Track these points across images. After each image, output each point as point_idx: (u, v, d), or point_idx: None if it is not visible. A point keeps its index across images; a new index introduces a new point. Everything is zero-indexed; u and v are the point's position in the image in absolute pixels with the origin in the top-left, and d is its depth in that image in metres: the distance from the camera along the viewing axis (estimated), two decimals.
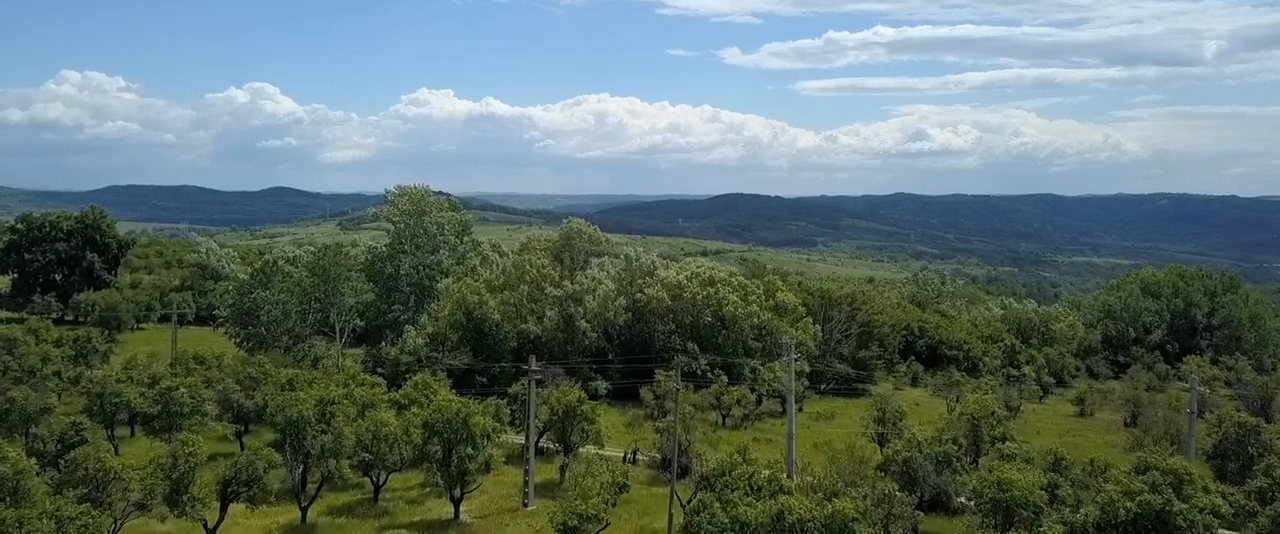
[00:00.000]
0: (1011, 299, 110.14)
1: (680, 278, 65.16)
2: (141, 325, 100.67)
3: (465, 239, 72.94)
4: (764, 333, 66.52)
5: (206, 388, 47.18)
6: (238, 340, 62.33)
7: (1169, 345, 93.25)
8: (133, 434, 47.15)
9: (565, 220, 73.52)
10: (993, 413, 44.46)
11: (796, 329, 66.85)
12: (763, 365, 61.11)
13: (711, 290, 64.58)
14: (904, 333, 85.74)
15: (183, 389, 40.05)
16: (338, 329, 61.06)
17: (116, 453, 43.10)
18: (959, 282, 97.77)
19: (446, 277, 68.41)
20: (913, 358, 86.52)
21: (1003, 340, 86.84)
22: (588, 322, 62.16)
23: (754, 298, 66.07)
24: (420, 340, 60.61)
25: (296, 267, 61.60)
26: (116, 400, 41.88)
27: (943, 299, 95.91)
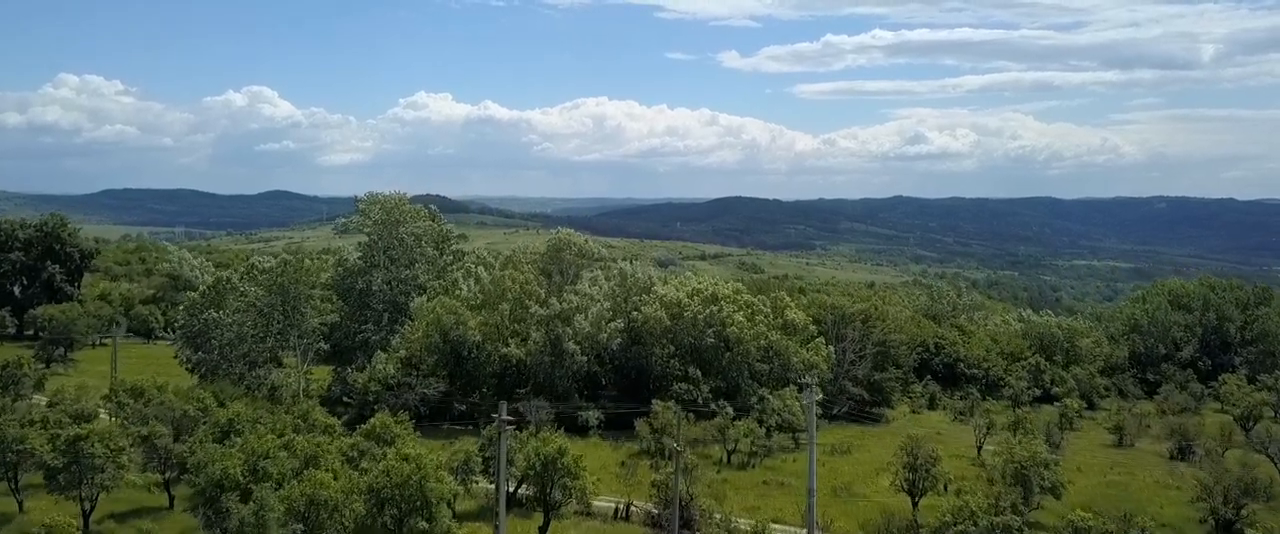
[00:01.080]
0: (1027, 309, 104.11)
1: (680, 295, 59.07)
2: (104, 341, 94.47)
3: (446, 251, 66.77)
4: (772, 354, 60.45)
5: (139, 426, 41.06)
6: (189, 365, 56.16)
7: (1201, 362, 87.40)
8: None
9: (554, 231, 67.38)
10: (1041, 458, 38.48)
11: (807, 351, 60.82)
12: (771, 394, 55.01)
13: (714, 309, 58.50)
14: (919, 350, 79.75)
15: (94, 438, 33.85)
16: (299, 354, 54.91)
17: (21, 510, 37.12)
18: (964, 287, 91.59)
19: (423, 293, 62.24)
20: (929, 376, 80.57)
21: (1027, 358, 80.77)
22: (577, 344, 56.03)
23: (761, 317, 60.00)
24: (391, 368, 54.43)
25: (255, 283, 55.36)
26: (20, 448, 35.69)
27: (958, 312, 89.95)
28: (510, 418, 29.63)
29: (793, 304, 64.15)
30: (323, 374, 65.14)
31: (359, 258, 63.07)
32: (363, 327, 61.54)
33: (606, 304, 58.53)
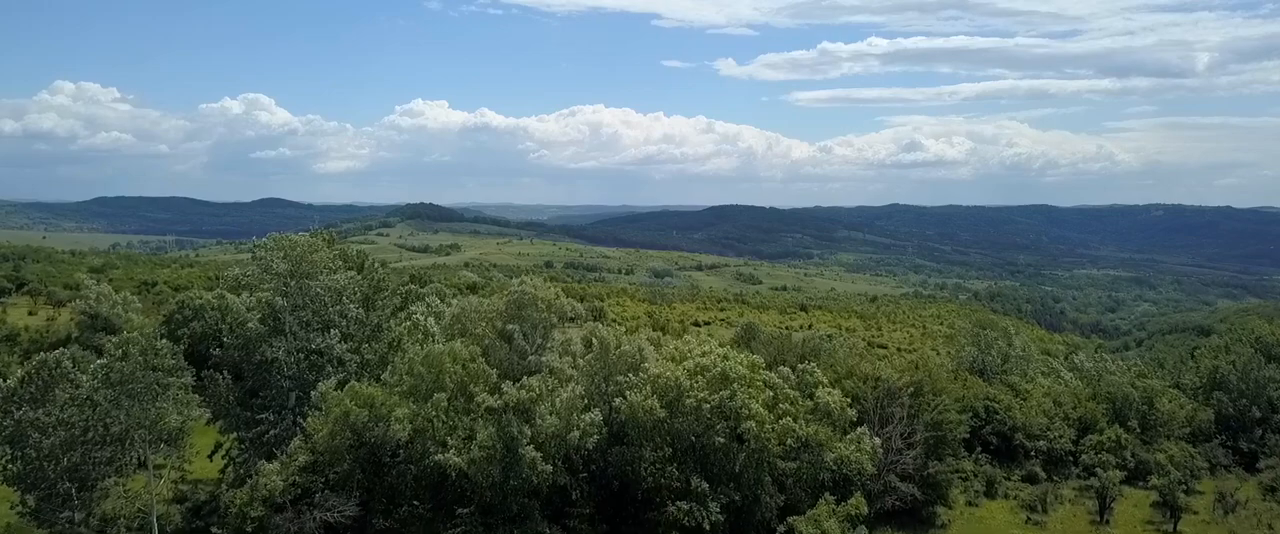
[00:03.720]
0: (1081, 355, 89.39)
1: (678, 374, 44.17)
2: None
3: (376, 310, 51.60)
4: (803, 448, 45.67)
5: None
6: (7, 480, 40.98)
7: None
8: None
9: (516, 281, 52.49)
10: None
11: (847, 446, 45.98)
12: (805, 523, 40.19)
13: (725, 395, 43.62)
14: (968, 416, 64.96)
15: None
16: (150, 468, 39.92)
17: None
18: (1014, 336, 77.03)
19: (340, 368, 47.27)
20: (979, 449, 65.84)
21: (1103, 429, 66.05)
22: (539, 448, 41.11)
23: (787, 403, 45.15)
24: (278, 480, 39.41)
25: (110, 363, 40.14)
26: None
27: (1009, 365, 75.33)
28: None
29: (825, 380, 49.29)
30: (209, 470, 49.94)
31: (258, 321, 48.02)
32: (260, 415, 46.46)
33: (579, 389, 43.59)
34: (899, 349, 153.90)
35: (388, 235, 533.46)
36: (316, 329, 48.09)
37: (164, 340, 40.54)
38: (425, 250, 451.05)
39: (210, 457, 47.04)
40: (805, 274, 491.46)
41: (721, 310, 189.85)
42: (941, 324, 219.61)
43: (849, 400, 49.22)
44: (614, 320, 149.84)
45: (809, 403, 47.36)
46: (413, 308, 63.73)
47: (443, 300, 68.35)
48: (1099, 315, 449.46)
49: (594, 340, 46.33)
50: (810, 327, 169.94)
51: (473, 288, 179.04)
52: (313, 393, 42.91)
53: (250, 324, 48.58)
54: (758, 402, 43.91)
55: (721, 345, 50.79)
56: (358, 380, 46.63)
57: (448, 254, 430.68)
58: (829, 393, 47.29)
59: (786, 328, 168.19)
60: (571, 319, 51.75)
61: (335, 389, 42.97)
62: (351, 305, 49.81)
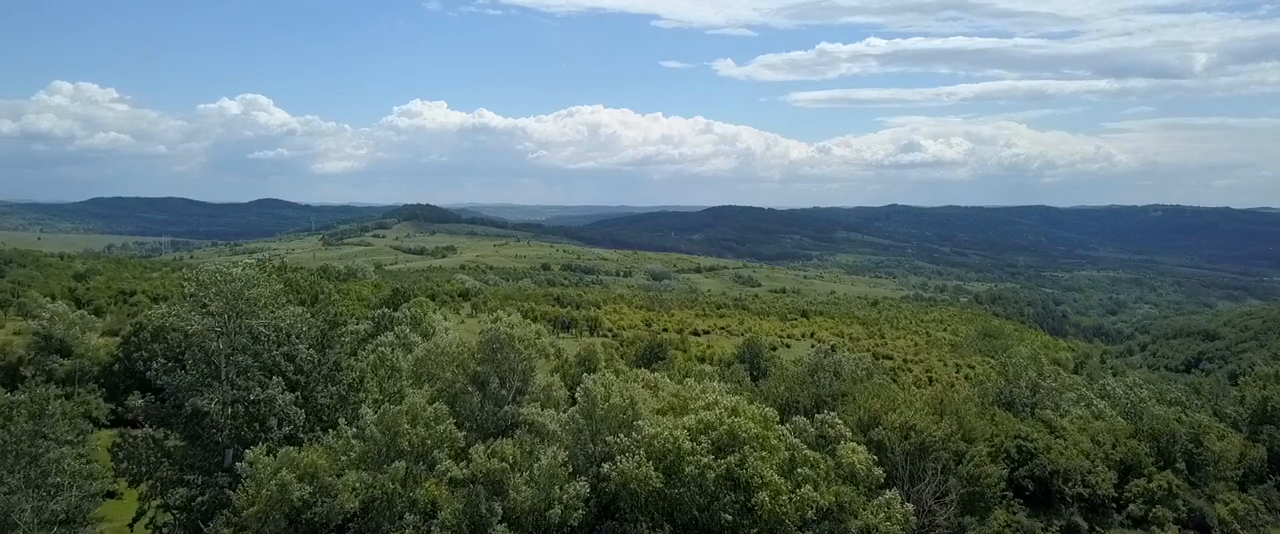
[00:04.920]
0: (1111, 380, 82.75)
1: (677, 436, 37.45)
2: None
3: (333, 348, 44.76)
4: (825, 517, 39.02)
5: None
6: None
7: None
8: None
9: (494, 317, 45.66)
10: None
11: (876, 514, 39.34)
12: None
13: (733, 459, 36.94)
14: (1004, 459, 58.32)
15: None
16: None
17: None
18: (1046, 366, 70.28)
19: (286, 424, 40.51)
20: (1010, 495, 59.18)
21: (1150, 473, 59.46)
22: (513, 526, 34.45)
23: (806, 466, 38.47)
24: None
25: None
26: None
27: (1039, 397, 68.68)
28: None
29: (848, 432, 42.60)
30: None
31: (189, 367, 41.16)
32: (188, 477, 39.71)
33: (562, 452, 36.88)
34: (905, 360, 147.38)
35: (385, 236, 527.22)
36: (258, 377, 41.29)
37: (60, 400, 33.77)
38: (422, 252, 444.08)
39: (130, 526, 40.28)
40: (804, 276, 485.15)
41: (721, 317, 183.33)
42: (945, 330, 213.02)
43: (875, 457, 42.55)
44: (609, 330, 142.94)
45: (830, 461, 40.69)
46: (382, 338, 57.08)
47: (414, 328, 61.53)
48: (1100, 318, 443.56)
49: (579, 394, 39.59)
50: (812, 334, 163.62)
51: (465, 295, 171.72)
52: (239, 464, 36.12)
53: (178, 372, 41.74)
54: (771, 466, 37.23)
55: (727, 364, 44.05)
56: (308, 433, 40.17)
57: (444, 256, 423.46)
58: (854, 450, 40.62)
59: (787, 335, 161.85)
60: (552, 358, 44.99)
61: (276, 448, 36.28)
62: (301, 345, 43.01)
